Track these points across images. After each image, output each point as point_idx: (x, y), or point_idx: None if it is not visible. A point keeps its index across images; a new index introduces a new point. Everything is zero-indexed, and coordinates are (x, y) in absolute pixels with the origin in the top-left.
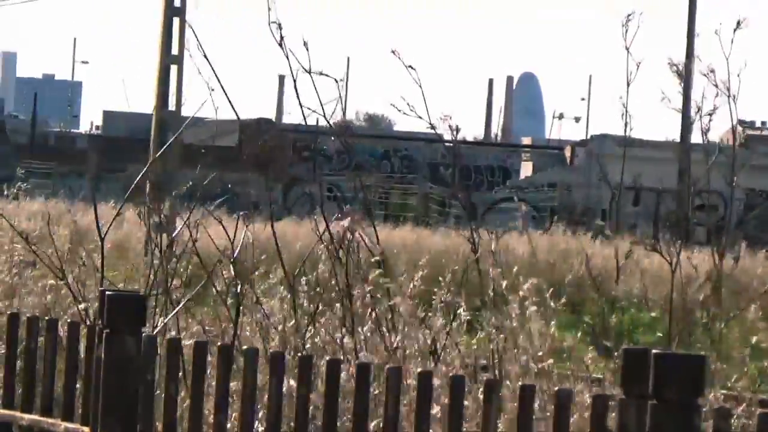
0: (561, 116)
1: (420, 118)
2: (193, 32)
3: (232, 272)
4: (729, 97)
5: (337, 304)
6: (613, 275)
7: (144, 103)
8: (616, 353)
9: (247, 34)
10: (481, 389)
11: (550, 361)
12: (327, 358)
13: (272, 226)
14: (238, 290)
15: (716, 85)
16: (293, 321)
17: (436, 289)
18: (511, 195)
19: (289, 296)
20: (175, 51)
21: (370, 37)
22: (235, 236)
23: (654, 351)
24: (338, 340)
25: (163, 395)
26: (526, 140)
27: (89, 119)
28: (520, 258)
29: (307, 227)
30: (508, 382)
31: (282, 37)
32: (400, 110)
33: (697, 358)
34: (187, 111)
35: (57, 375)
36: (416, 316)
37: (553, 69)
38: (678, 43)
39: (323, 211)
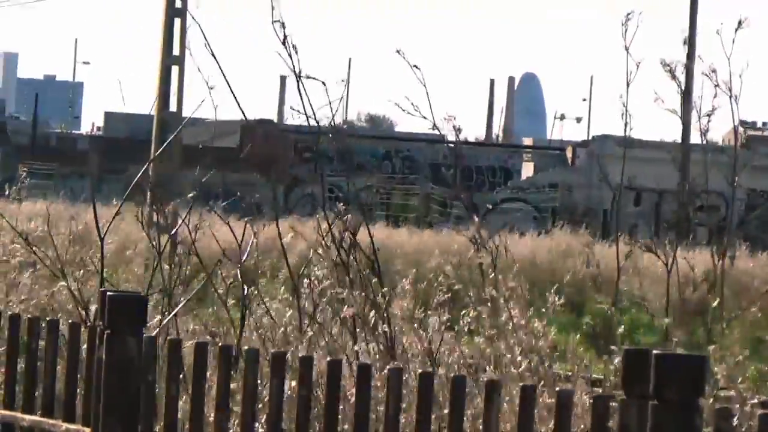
0: (562, 117)
1: (424, 118)
2: (200, 28)
3: (239, 275)
4: (731, 97)
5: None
6: (614, 276)
7: (145, 104)
8: (615, 353)
9: (249, 35)
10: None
11: (552, 363)
12: (329, 359)
13: (278, 229)
14: (245, 293)
15: (717, 85)
16: (296, 322)
17: (437, 288)
18: (512, 196)
19: (289, 298)
20: (176, 52)
21: (371, 38)
22: (243, 238)
23: (655, 351)
24: (337, 342)
25: (164, 396)
26: (528, 141)
27: (90, 120)
28: (521, 258)
29: (309, 228)
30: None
31: (285, 36)
32: (404, 110)
33: (698, 358)
34: (188, 112)
35: (58, 376)
36: (412, 318)
37: (554, 69)
38: (678, 44)
39: (325, 210)
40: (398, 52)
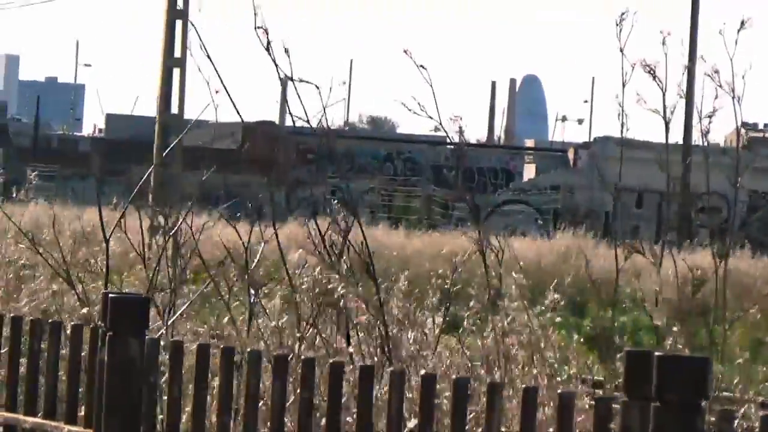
0: (564, 118)
1: (430, 118)
2: (198, 34)
3: (246, 278)
4: (733, 98)
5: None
6: (613, 278)
7: (147, 106)
8: (617, 355)
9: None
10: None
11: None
12: (331, 360)
13: (275, 234)
14: (251, 298)
15: (720, 86)
16: (294, 324)
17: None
18: (514, 197)
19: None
20: (177, 54)
21: (372, 41)
22: (249, 243)
23: (657, 353)
24: (334, 343)
25: (166, 398)
26: (529, 142)
27: (92, 122)
28: (523, 259)
29: (311, 230)
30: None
31: (269, 42)
32: (410, 110)
33: (700, 360)
34: (190, 114)
35: (60, 378)
36: (407, 319)
37: (555, 71)
38: (679, 44)
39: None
40: (405, 52)
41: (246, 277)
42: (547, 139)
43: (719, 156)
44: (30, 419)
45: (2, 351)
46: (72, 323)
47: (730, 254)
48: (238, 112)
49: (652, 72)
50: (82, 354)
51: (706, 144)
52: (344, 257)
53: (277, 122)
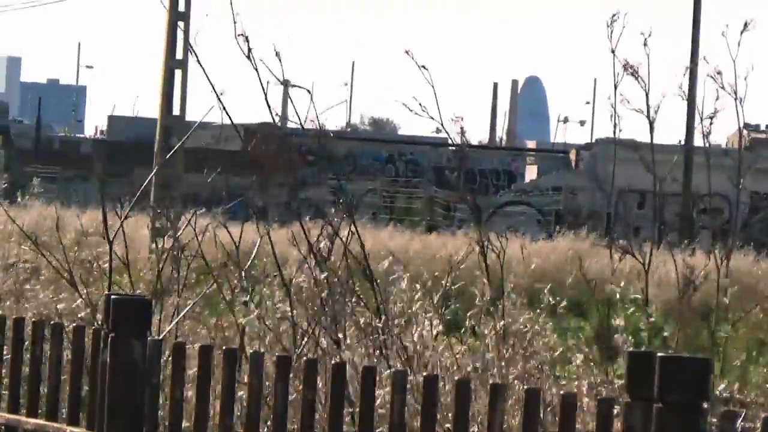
0: (566, 120)
1: (432, 118)
2: (190, 46)
3: (243, 278)
4: (736, 99)
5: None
6: (613, 279)
7: (148, 107)
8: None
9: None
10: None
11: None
12: (333, 362)
13: (269, 235)
14: (248, 296)
15: (722, 87)
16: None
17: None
18: (516, 199)
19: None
20: (179, 55)
21: (374, 42)
22: (240, 243)
23: (659, 354)
24: (331, 345)
25: (168, 399)
26: (531, 144)
27: (94, 124)
28: (523, 261)
29: (313, 231)
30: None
31: (250, 50)
32: (411, 110)
33: (702, 361)
34: (192, 115)
35: (62, 379)
36: (402, 322)
37: (557, 72)
38: (680, 45)
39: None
40: (407, 53)
41: (242, 274)
42: (549, 140)
43: (721, 157)
44: (32, 421)
45: (5, 352)
46: (74, 325)
47: (709, 250)
48: (228, 116)
49: (634, 73)
50: (84, 356)
51: (707, 145)
52: (334, 259)
53: (278, 124)
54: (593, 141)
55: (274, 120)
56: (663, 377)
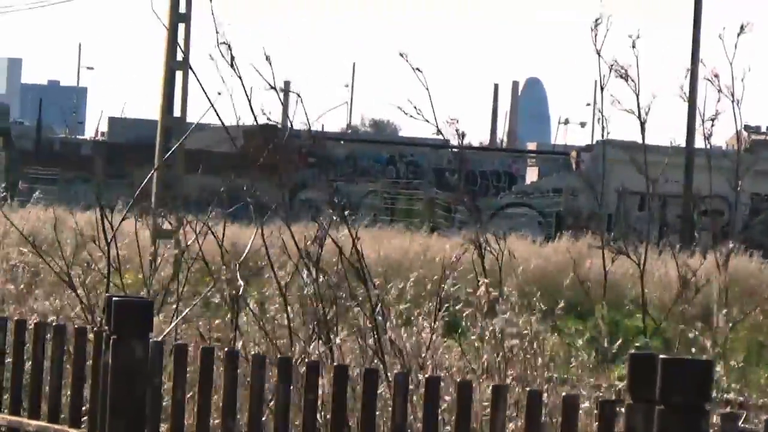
0: (566, 121)
1: (427, 121)
2: (181, 50)
3: (238, 276)
4: (733, 101)
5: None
6: (617, 280)
7: (149, 109)
8: (617, 358)
9: (253, 38)
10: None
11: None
12: (335, 364)
13: (263, 240)
14: (239, 293)
15: (720, 90)
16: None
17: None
18: (516, 201)
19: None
20: (180, 57)
21: (375, 43)
22: (222, 243)
23: (661, 356)
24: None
25: (170, 401)
26: (532, 145)
27: (94, 125)
28: (523, 262)
29: (310, 231)
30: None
31: (233, 58)
32: (407, 113)
33: (703, 362)
34: (192, 116)
35: (64, 381)
36: (401, 323)
37: (558, 74)
38: (681, 46)
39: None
40: (401, 55)
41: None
42: (550, 141)
43: (721, 159)
44: (34, 422)
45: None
46: (76, 326)
47: (704, 249)
48: (221, 119)
49: (625, 74)
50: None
51: (708, 147)
52: (334, 260)
53: (279, 125)
54: (594, 143)
55: (269, 119)
56: (665, 379)
